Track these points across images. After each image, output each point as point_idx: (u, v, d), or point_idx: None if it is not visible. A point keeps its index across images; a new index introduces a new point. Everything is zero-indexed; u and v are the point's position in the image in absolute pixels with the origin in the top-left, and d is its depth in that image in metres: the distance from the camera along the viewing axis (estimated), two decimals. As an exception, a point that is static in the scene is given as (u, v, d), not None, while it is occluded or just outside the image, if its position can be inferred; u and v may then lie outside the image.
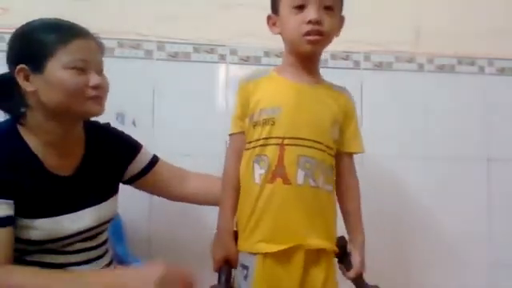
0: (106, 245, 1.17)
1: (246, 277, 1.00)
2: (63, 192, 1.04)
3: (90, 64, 1.02)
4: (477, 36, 1.70)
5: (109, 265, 1.15)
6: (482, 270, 1.70)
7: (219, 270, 1.05)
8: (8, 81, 1.02)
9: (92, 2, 1.48)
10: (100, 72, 1.06)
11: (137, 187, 1.27)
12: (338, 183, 1.08)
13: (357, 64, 1.65)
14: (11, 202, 0.96)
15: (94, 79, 1.02)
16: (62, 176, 1.05)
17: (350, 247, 1.09)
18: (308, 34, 0.99)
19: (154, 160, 1.26)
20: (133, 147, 1.24)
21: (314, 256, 1.01)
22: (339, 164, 1.08)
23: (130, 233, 1.40)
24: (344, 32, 1.62)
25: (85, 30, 1.05)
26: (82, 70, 1.01)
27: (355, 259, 1.07)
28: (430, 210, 1.67)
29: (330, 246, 1.05)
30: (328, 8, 0.99)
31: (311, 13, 0.97)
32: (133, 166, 1.23)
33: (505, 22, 1.72)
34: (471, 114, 1.71)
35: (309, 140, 1.01)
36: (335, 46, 1.60)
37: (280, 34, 1.07)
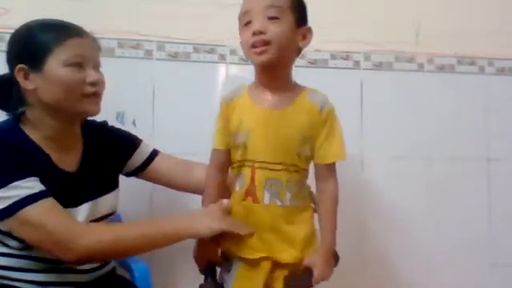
0: None
1: (229, 270, 1.11)
2: (68, 187, 1.06)
3: (87, 60, 1.05)
4: (477, 36, 1.70)
5: (108, 263, 1.16)
6: (482, 270, 1.70)
7: (204, 271, 1.15)
8: (7, 81, 1.05)
9: (92, 2, 1.48)
10: (97, 68, 1.09)
11: (141, 179, 1.30)
12: (316, 191, 1.14)
13: (357, 64, 1.65)
14: (38, 179, 1.00)
15: (91, 76, 1.05)
16: (67, 171, 1.08)
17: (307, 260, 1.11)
18: (254, 45, 1.02)
19: (154, 154, 1.28)
20: (131, 143, 1.26)
21: (281, 265, 1.09)
22: (316, 172, 1.13)
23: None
24: (344, 32, 1.64)
25: (80, 28, 1.08)
26: (79, 66, 1.04)
27: (315, 269, 1.09)
28: (430, 209, 1.67)
29: (296, 258, 1.09)
30: (273, 18, 1.02)
31: (253, 25, 1.02)
32: (132, 160, 1.25)
33: (505, 22, 1.72)
34: (471, 114, 1.71)
35: (275, 163, 1.07)
36: (335, 45, 1.63)
37: None
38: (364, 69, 1.65)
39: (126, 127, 1.42)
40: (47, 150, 1.05)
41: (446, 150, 1.69)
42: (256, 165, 1.07)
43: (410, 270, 1.66)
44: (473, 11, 1.71)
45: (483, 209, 1.71)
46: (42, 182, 1.00)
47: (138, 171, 1.27)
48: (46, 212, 0.97)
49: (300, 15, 1.07)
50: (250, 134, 1.07)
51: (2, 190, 0.95)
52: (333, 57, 1.63)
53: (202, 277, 1.16)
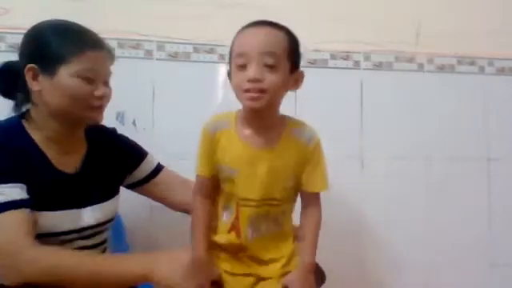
0: (105, 244, 1.17)
1: None
2: (67, 188, 1.06)
3: (99, 75, 1.05)
4: (477, 36, 1.70)
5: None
6: (482, 270, 1.71)
7: None
8: (15, 68, 1.05)
9: (92, 2, 1.48)
10: (107, 82, 1.09)
11: (140, 193, 1.29)
12: (301, 213, 1.15)
13: (357, 64, 1.65)
14: (24, 186, 0.99)
15: (100, 90, 1.05)
16: (66, 173, 1.08)
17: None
18: (248, 91, 1.00)
19: (158, 168, 1.28)
20: (138, 155, 1.26)
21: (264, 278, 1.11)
22: (302, 198, 1.14)
23: (131, 233, 1.40)
24: (344, 32, 1.64)
25: (99, 39, 1.07)
26: (90, 79, 1.04)
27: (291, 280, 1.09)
28: (430, 209, 1.67)
29: (278, 272, 1.11)
30: (270, 66, 1.00)
31: (250, 71, 0.99)
32: (136, 172, 1.25)
33: (505, 22, 1.72)
34: (471, 114, 1.71)
35: (259, 201, 1.08)
36: (335, 45, 1.63)
37: None
38: (364, 69, 1.66)
39: (126, 127, 1.43)
40: (47, 151, 1.05)
41: (446, 150, 1.69)
42: (241, 202, 1.08)
43: (410, 270, 1.66)
44: (473, 11, 1.71)
45: (483, 209, 1.71)
46: (37, 179, 1.00)
47: (142, 183, 1.26)
48: (2, 226, 0.95)
49: (295, 61, 1.06)
50: (237, 172, 1.07)
51: None
52: (333, 57, 1.64)
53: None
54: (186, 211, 1.26)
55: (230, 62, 1.07)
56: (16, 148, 1.01)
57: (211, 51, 1.56)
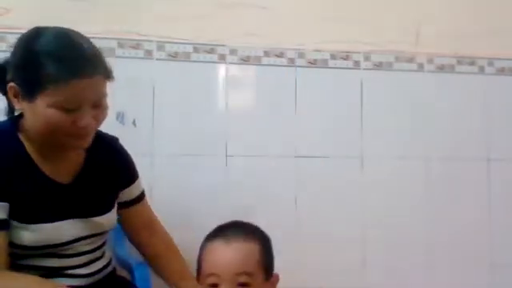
0: (104, 247, 1.15)
1: None
2: (62, 199, 1.02)
3: (84, 102, 0.94)
4: (477, 36, 1.70)
5: (107, 266, 1.14)
6: (482, 269, 1.70)
7: None
8: (4, 66, 0.98)
9: (92, 2, 1.47)
10: (97, 105, 0.97)
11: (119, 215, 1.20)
12: None
13: (357, 64, 1.65)
14: (6, 204, 0.95)
15: (83, 120, 0.94)
16: (60, 183, 1.03)
17: None
18: None
19: (142, 196, 1.20)
20: (132, 174, 1.18)
21: None
22: None
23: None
24: (344, 32, 1.64)
25: (94, 62, 0.95)
26: (71, 109, 0.93)
27: None
28: (430, 209, 1.67)
29: None
30: (244, 285, 0.91)
31: None
32: (127, 191, 1.17)
33: (505, 22, 1.72)
34: (471, 114, 1.71)
35: None
36: (335, 45, 1.63)
37: None
38: (364, 69, 1.66)
39: (126, 127, 1.43)
40: (38, 159, 1.01)
41: (445, 150, 1.69)
42: None
43: (410, 270, 1.66)
44: (473, 11, 1.71)
45: (483, 209, 1.71)
46: (26, 189, 0.97)
47: (125, 206, 1.17)
48: None
49: (269, 268, 0.98)
50: None
51: None
52: (333, 57, 1.64)
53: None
54: (139, 250, 1.23)
55: (198, 269, 0.97)
56: (5, 153, 0.97)
57: (211, 51, 1.56)
